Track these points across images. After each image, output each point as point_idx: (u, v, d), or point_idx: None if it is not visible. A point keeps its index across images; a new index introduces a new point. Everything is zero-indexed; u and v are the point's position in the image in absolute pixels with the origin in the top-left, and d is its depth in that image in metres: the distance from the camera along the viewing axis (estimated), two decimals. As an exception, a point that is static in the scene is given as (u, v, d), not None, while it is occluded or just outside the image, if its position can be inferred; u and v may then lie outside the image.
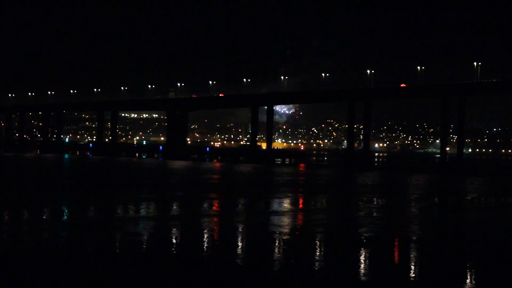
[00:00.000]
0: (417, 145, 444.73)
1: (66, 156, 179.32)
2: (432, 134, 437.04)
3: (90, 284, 23.29)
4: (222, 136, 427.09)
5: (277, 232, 36.31)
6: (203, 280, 24.20)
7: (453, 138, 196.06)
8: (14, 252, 28.93)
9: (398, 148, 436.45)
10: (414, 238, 36.15)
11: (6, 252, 29.03)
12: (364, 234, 36.79)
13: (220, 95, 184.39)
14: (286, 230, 37.31)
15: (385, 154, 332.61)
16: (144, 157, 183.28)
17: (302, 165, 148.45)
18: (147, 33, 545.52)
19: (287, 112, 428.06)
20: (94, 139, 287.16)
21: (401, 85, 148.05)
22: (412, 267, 28.09)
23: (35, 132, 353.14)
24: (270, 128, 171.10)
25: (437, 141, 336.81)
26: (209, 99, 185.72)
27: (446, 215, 51.21)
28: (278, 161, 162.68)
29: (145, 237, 34.15)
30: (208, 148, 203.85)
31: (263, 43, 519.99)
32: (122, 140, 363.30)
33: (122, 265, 26.64)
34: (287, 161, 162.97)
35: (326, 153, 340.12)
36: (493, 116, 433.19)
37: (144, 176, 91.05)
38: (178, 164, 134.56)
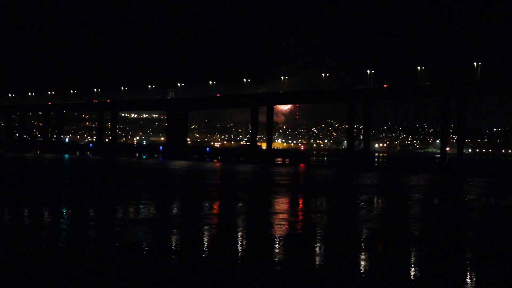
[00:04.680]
0: (417, 145, 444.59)
1: (66, 156, 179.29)
2: (432, 134, 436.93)
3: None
4: (222, 136, 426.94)
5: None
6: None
7: (453, 138, 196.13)
8: (14, 251, 29.02)
9: (398, 148, 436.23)
10: (416, 235, 36.23)
11: (5, 251, 29.12)
12: (371, 235, 36.91)
13: (220, 95, 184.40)
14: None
15: (385, 154, 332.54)
16: (144, 157, 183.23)
17: (302, 165, 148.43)
18: (147, 33, 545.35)
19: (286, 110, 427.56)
20: (94, 139, 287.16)
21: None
22: (413, 265, 28.16)
23: (35, 132, 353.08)
24: (270, 128, 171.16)
25: (437, 141, 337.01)
26: (209, 99, 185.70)
27: (449, 215, 51.23)
28: (278, 161, 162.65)
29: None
30: (208, 148, 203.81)
31: (263, 43, 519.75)
32: (122, 140, 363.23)
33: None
34: (287, 161, 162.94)
35: (326, 153, 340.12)
36: (493, 116, 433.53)
37: (147, 177, 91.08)
38: (179, 164, 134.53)
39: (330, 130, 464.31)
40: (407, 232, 38.45)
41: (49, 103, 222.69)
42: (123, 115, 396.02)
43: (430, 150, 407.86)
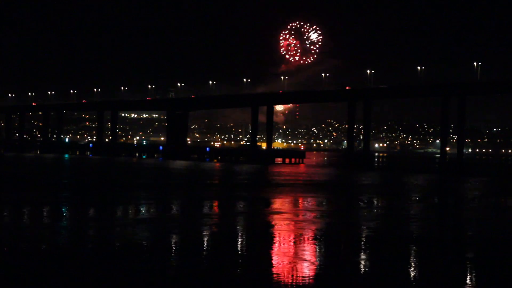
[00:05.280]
0: (417, 145, 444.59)
1: (66, 156, 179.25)
2: (432, 134, 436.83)
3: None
4: (222, 136, 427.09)
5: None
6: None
7: (453, 138, 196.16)
8: (14, 251, 29.06)
9: (398, 148, 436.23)
10: (416, 235, 36.27)
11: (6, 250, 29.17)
12: (372, 235, 36.97)
13: (220, 95, 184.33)
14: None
15: (385, 154, 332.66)
16: (144, 157, 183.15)
17: (302, 165, 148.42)
18: (147, 33, 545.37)
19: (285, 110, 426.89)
20: (94, 139, 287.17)
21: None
22: (413, 264, 28.20)
23: (35, 132, 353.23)
24: (270, 128, 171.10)
25: (437, 141, 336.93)
26: (209, 99, 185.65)
27: (451, 215, 51.27)
28: (278, 161, 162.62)
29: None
30: (208, 148, 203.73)
31: (263, 42, 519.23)
32: (122, 140, 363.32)
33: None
34: (287, 161, 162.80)
35: (326, 153, 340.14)
36: (493, 116, 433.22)
37: (147, 177, 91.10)
38: (179, 164, 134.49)
39: (330, 130, 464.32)
40: (407, 232, 38.48)
41: (49, 103, 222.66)
42: (123, 115, 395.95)
43: (430, 150, 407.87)
